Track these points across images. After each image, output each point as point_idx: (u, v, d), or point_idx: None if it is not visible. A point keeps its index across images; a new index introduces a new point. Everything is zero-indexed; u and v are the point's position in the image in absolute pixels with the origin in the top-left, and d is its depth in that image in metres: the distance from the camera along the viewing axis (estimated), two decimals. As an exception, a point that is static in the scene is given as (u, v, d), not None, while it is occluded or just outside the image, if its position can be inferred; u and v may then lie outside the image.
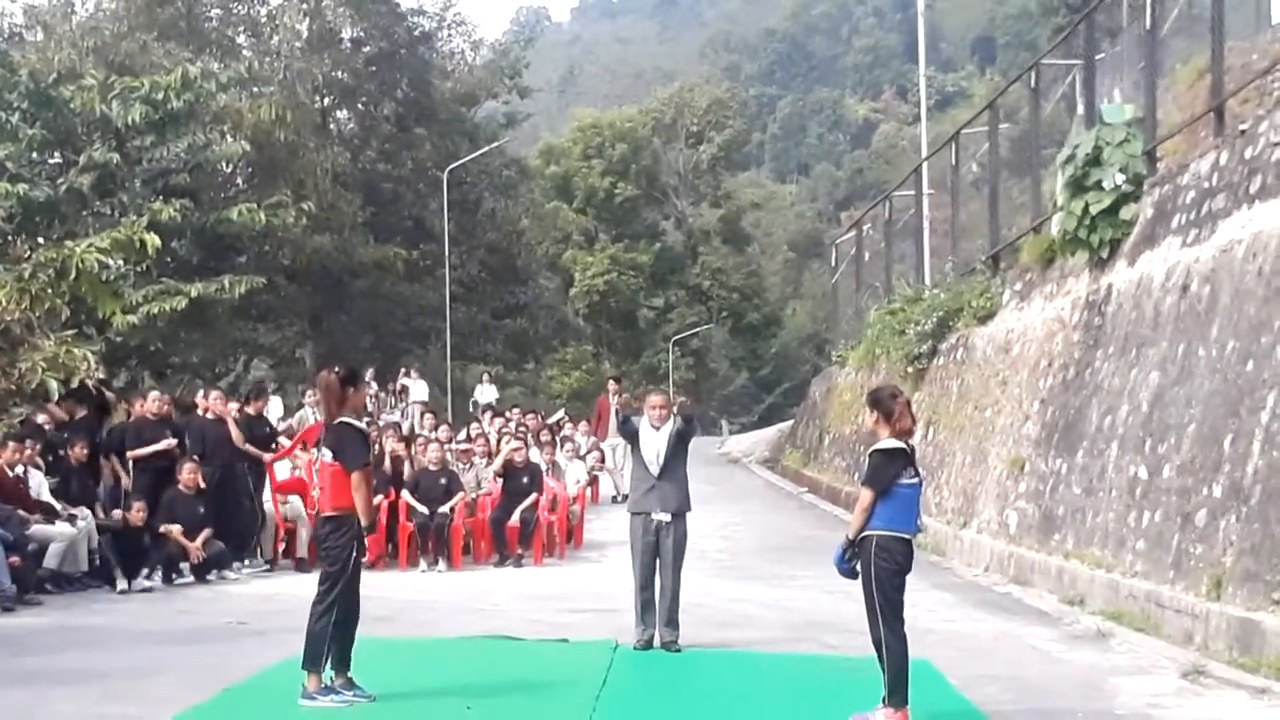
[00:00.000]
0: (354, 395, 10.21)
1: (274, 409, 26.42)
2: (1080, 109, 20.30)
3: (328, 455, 10.16)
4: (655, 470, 12.75)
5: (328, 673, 9.91)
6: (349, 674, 9.98)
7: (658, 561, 12.71)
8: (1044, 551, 16.87)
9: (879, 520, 9.34)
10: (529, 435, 24.21)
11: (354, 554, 9.87)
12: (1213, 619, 12.05)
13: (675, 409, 13.11)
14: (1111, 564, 14.73)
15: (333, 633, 9.86)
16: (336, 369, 10.37)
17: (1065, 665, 12.21)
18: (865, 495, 9.38)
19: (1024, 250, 21.31)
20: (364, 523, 9.82)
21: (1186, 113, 17.69)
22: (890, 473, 9.39)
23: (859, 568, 9.47)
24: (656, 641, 12.52)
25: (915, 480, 9.57)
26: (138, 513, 17.08)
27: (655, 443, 12.82)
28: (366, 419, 25.37)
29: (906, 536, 9.48)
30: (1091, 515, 15.74)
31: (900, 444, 9.47)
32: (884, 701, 9.36)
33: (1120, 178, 16.91)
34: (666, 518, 12.72)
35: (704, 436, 74.19)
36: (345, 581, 9.89)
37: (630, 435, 13.13)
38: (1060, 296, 18.90)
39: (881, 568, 9.34)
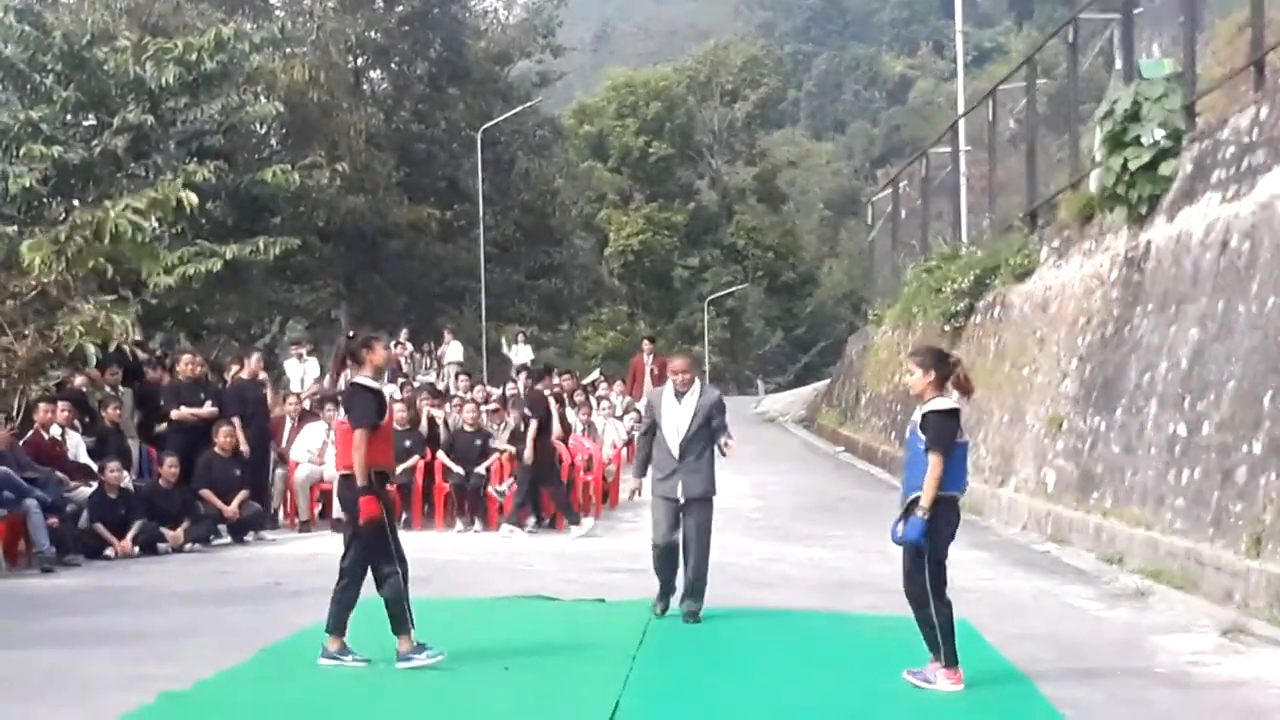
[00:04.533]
0: (371, 355, 10.11)
1: (311, 369, 26.53)
2: (1119, 64, 20.16)
3: (342, 414, 10.22)
4: (676, 452, 11.87)
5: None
6: (345, 638, 9.97)
7: (680, 536, 11.99)
8: (1082, 510, 16.80)
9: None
10: (565, 396, 24.16)
11: (384, 509, 9.85)
12: (1253, 576, 11.98)
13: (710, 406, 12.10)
14: (1150, 522, 14.66)
15: (350, 597, 9.93)
16: (350, 334, 10.47)
17: (1104, 624, 12.18)
18: (936, 461, 9.15)
19: (1062, 207, 21.18)
20: (359, 482, 9.77)
21: (1226, 67, 17.54)
22: (952, 433, 9.29)
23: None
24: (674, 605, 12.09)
25: (965, 440, 9.52)
26: (170, 469, 17.16)
27: (677, 418, 11.94)
28: (401, 379, 25.59)
29: (958, 494, 9.44)
30: (1130, 473, 15.66)
31: (954, 404, 9.37)
32: (939, 660, 9.40)
33: (1159, 133, 16.78)
34: (683, 501, 11.95)
35: (740, 396, 74.37)
36: (390, 537, 9.88)
37: (649, 428, 12.29)
38: (1099, 253, 18.78)
39: (937, 530, 9.30)
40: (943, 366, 9.45)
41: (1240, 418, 13.19)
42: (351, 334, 10.45)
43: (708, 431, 12.00)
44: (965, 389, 9.48)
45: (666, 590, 12.09)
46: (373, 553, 9.86)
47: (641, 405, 26.40)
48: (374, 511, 9.72)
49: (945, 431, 9.25)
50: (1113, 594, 13.61)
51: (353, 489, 9.82)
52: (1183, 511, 13.97)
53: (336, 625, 9.95)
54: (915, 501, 9.30)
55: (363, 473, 9.75)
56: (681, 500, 11.90)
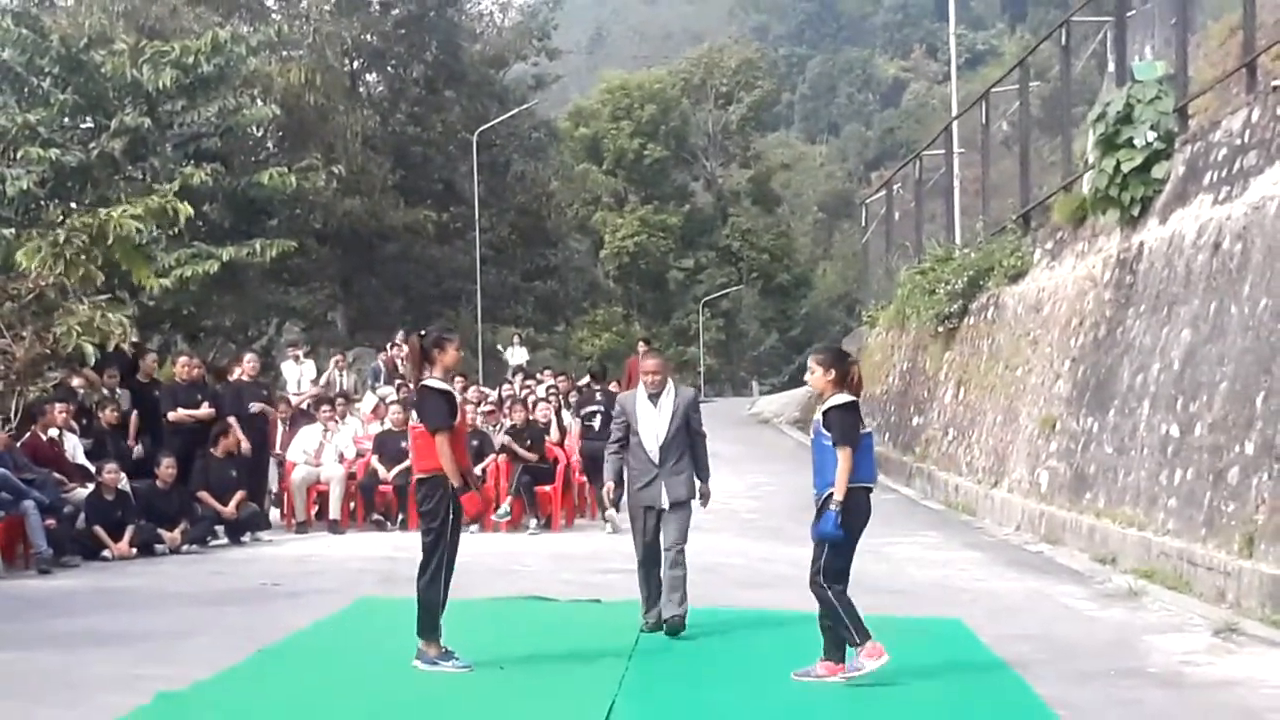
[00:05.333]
0: (442, 356, 10.10)
1: (307, 371, 26.54)
2: (1111, 66, 20.24)
3: (414, 417, 10.18)
4: (657, 457, 11.27)
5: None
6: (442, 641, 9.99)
7: (661, 541, 11.38)
8: (1076, 510, 16.85)
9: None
10: (560, 397, 24.18)
11: (450, 515, 9.84)
12: (1245, 576, 12.03)
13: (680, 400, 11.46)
14: (1143, 522, 14.71)
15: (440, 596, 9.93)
16: (422, 332, 10.35)
17: (1097, 624, 12.21)
18: (845, 454, 9.38)
19: (1055, 209, 21.23)
20: (454, 483, 9.76)
21: (1218, 69, 17.60)
22: (855, 426, 9.51)
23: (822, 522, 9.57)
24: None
25: (869, 431, 9.78)
26: (167, 469, 17.20)
27: (654, 421, 11.35)
28: (399, 381, 25.62)
29: (870, 486, 9.68)
30: (1123, 474, 15.72)
31: (853, 397, 9.61)
32: (825, 654, 9.70)
33: (1151, 135, 16.82)
34: (668, 506, 11.31)
35: (735, 397, 74.33)
36: (447, 543, 9.91)
37: (624, 437, 11.61)
38: (1091, 255, 18.84)
39: (848, 521, 9.48)
40: (842, 364, 9.74)
41: (1232, 418, 13.25)
42: (423, 331, 10.34)
43: (686, 433, 11.44)
44: (855, 388, 9.72)
45: (654, 601, 11.47)
46: (429, 551, 9.90)
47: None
48: (478, 508, 9.82)
49: (848, 424, 9.48)
50: (1106, 594, 13.65)
51: (432, 493, 9.89)
52: (1175, 512, 14.03)
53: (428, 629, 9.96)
54: (829, 498, 9.48)
55: (455, 473, 9.78)
56: (667, 506, 11.30)
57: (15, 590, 13.77)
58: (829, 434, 9.52)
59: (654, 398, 11.43)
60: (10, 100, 31.81)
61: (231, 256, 30.65)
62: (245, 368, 20.08)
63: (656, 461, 11.27)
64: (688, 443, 11.44)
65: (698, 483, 11.52)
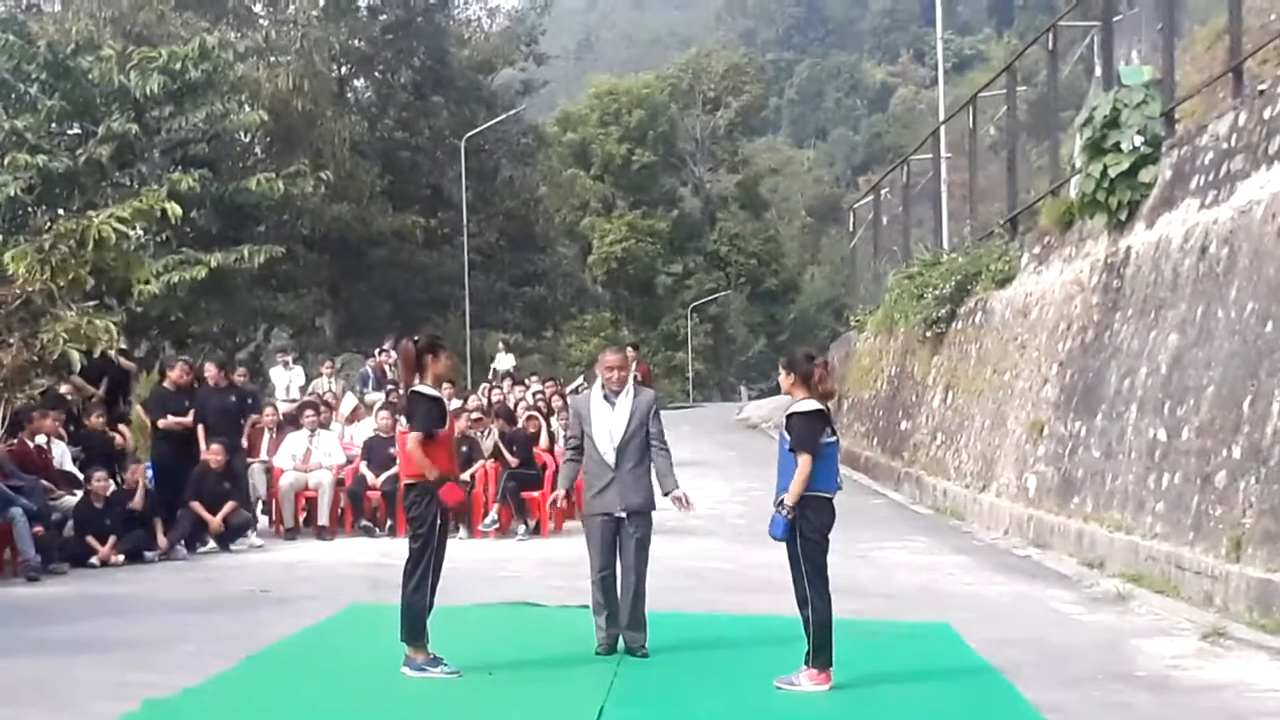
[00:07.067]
0: (434, 363, 10.10)
1: (296, 377, 26.51)
2: (1098, 71, 20.23)
3: (403, 422, 10.17)
4: (612, 459, 10.58)
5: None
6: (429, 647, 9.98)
7: (618, 557, 10.72)
8: (1063, 514, 16.86)
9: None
10: (547, 402, 24.15)
11: (438, 520, 9.85)
12: (1233, 580, 12.05)
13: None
14: (1131, 526, 14.73)
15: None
16: (416, 338, 10.33)
17: (1085, 627, 12.23)
18: (804, 460, 9.41)
19: (1042, 213, 21.27)
20: (429, 476, 9.76)
21: (1205, 74, 17.62)
22: (816, 433, 9.52)
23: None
24: (620, 645, 10.81)
25: (834, 439, 9.77)
26: (133, 475, 17.12)
27: (610, 421, 10.66)
28: (389, 387, 25.59)
29: (829, 496, 9.66)
30: (1111, 478, 15.73)
31: (818, 405, 9.61)
32: (807, 662, 9.60)
33: (1138, 140, 16.84)
34: (625, 514, 10.62)
35: (724, 402, 74.34)
36: (434, 549, 9.90)
37: (578, 440, 10.93)
38: (1079, 259, 18.86)
39: (806, 529, 9.54)
40: (803, 367, 9.78)
41: (1220, 422, 13.26)
42: (416, 338, 10.31)
43: (644, 436, 10.70)
44: (820, 390, 9.72)
45: (613, 619, 10.78)
46: (416, 557, 9.90)
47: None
48: (459, 495, 9.82)
49: (807, 432, 9.50)
50: (1094, 598, 13.66)
51: (420, 498, 9.89)
52: (1163, 516, 14.04)
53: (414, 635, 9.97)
54: (782, 502, 9.54)
55: (429, 468, 9.81)
56: (624, 514, 10.60)
57: (3, 598, 13.75)
58: (789, 437, 9.58)
59: (610, 398, 10.77)
60: (-2, 106, 31.84)
61: (219, 262, 30.69)
62: (212, 373, 19.91)
63: (612, 464, 10.59)
64: (646, 447, 10.75)
65: (662, 490, 10.83)
